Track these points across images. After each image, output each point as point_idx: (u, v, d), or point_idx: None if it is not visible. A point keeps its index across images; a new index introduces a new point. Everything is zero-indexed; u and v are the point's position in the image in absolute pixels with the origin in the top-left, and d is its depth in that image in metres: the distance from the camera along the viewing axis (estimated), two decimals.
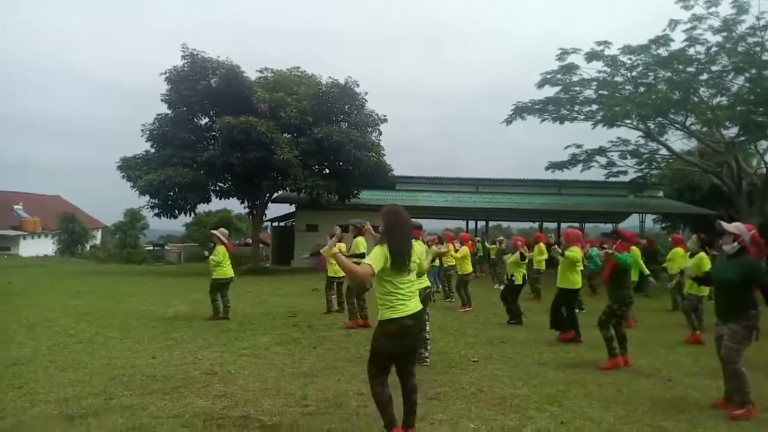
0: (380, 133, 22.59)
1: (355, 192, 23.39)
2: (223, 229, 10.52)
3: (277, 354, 7.06)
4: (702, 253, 8.67)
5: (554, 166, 24.23)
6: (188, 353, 7.00)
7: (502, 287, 14.81)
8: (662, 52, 19.53)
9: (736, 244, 4.93)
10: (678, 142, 22.79)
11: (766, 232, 17.96)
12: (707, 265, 8.31)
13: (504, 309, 10.36)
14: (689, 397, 5.42)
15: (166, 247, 40.72)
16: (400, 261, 3.92)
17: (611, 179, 25.38)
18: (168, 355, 6.88)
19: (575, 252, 8.21)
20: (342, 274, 9.76)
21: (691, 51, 18.98)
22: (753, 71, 18.40)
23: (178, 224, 47.14)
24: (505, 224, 42.65)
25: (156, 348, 7.32)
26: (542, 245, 13.97)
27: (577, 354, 7.47)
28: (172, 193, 20.61)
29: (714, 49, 18.63)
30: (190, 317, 10.09)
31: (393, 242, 3.93)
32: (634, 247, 9.75)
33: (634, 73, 20.96)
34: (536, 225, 33.38)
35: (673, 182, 29.67)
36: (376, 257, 3.85)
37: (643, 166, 24.46)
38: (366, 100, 21.85)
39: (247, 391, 5.33)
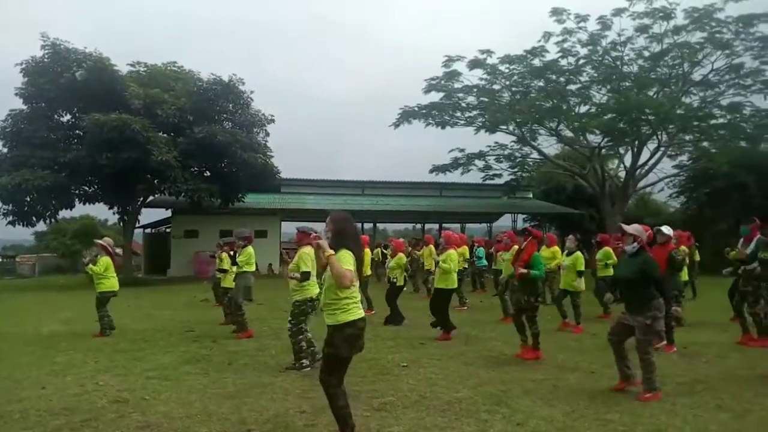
0: (267, 134, 21.81)
1: (240, 196, 22.33)
2: (108, 239, 9.47)
3: (189, 374, 6.36)
4: (578, 252, 9.49)
5: (438, 169, 25.05)
6: (85, 379, 6.06)
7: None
8: (537, 62, 20.93)
9: (636, 243, 5.41)
10: (549, 146, 24.57)
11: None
12: (582, 263, 9.35)
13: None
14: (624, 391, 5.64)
15: (16, 259, 36.05)
16: (359, 265, 4.06)
17: (488, 182, 26.82)
18: (60, 383, 5.90)
19: (449, 260, 8.49)
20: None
21: (564, 62, 20.55)
22: (614, 83, 20.36)
23: (26, 233, 42.05)
24: (381, 226, 43.12)
25: (42, 375, 6.27)
26: (432, 247, 14.31)
27: (498, 351, 7.59)
28: (29, 198, 18.22)
29: (582, 60, 20.33)
30: (71, 336, 8.89)
31: (354, 247, 4.02)
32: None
33: (510, 82, 22.23)
34: (419, 226, 34.27)
35: (541, 184, 31.92)
36: (349, 262, 3.90)
37: (516, 170, 26.14)
38: (252, 99, 20.98)
39: (173, 419, 4.68)
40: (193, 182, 19.52)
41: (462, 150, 23.92)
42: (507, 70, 21.55)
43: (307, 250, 6.46)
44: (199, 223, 23.64)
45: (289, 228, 26.15)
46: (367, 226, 32.77)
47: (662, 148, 21.25)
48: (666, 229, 7.50)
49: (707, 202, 25.13)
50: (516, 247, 8.12)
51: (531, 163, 25.59)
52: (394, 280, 10.06)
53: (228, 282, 9.84)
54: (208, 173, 21.20)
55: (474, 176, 26.39)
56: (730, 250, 8.99)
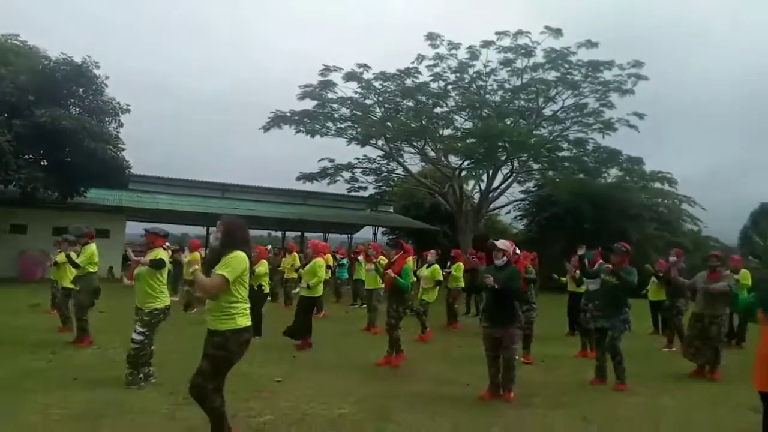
0: (120, 125, 19.85)
1: (82, 190, 20.01)
2: None
3: (28, 391, 5.41)
4: (436, 264, 10.28)
5: (305, 177, 24.70)
6: None
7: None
8: (409, 82, 21.61)
9: (504, 258, 5.78)
10: (413, 164, 25.39)
11: (479, 245, 20.94)
12: (439, 274, 10.20)
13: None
14: (495, 399, 5.79)
15: None
16: (251, 268, 4.17)
17: (352, 193, 27.04)
18: None
19: (316, 268, 8.50)
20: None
21: (435, 85, 21.45)
22: (476, 110, 21.66)
23: None
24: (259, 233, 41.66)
25: None
26: (295, 254, 14.09)
27: (371, 363, 7.47)
28: None
29: (450, 86, 21.39)
30: None
31: (248, 250, 3.97)
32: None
33: (382, 98, 22.66)
34: (280, 234, 33.49)
35: (402, 199, 32.87)
36: (240, 263, 3.79)
37: (381, 184, 26.69)
38: (106, 85, 18.98)
39: None
40: (27, 170, 17.10)
41: (332, 160, 23.86)
42: (380, 87, 21.99)
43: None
44: (29, 217, 20.78)
45: (135, 228, 24.00)
46: None
47: (513, 174, 22.98)
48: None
49: (546, 226, 27.64)
50: (383, 258, 8.71)
51: (395, 179, 26.23)
52: (260, 287, 9.52)
53: (67, 283, 8.64)
54: (45, 162, 18.74)
55: (339, 187, 26.54)
56: (558, 277, 10.31)
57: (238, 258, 3.76)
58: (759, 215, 30.26)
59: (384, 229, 34.36)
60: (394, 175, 25.84)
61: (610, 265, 6.53)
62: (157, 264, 5.86)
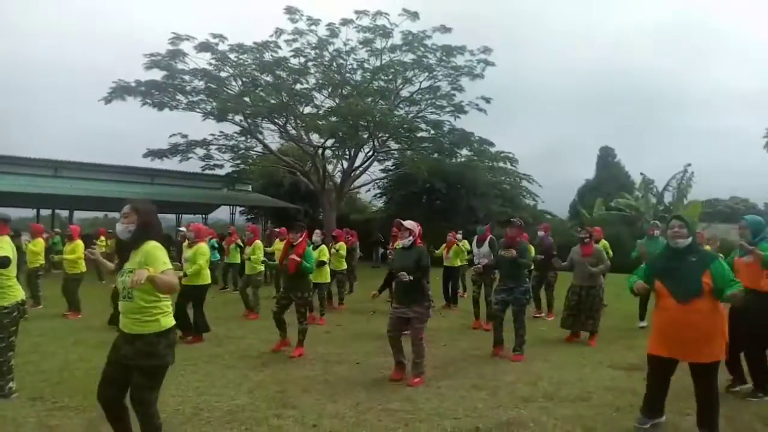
0: None
1: None
2: None
3: None
4: (323, 245, 9.92)
5: (153, 154, 22.97)
6: None
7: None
8: (268, 56, 20.89)
9: (411, 238, 5.86)
10: (271, 142, 24.75)
11: (342, 224, 21.17)
12: (326, 255, 9.83)
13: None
14: (386, 378, 5.96)
15: None
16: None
17: (207, 171, 25.73)
18: None
19: (199, 254, 7.79)
20: None
21: (295, 61, 20.96)
22: (335, 89, 21.63)
23: None
24: (81, 215, 37.31)
25: None
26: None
27: (255, 349, 7.28)
28: None
29: (310, 63, 21.06)
30: None
31: (162, 241, 3.50)
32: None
33: (237, 71, 21.65)
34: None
35: (260, 178, 32.03)
36: (164, 255, 3.38)
37: (238, 161, 25.70)
38: None
39: None
40: None
41: (185, 136, 22.40)
42: (237, 60, 20.99)
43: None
44: None
45: None
46: (61, 213, 28.15)
47: (374, 154, 23.45)
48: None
49: (403, 203, 28.75)
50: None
51: (254, 156, 25.40)
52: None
53: None
54: None
55: (191, 165, 25.06)
56: (434, 250, 10.70)
57: (161, 249, 3.37)
58: (584, 190, 34.29)
59: (242, 208, 33.30)
60: (252, 152, 24.99)
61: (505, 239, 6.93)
62: (2, 262, 5.03)
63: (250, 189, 31.74)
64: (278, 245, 11.22)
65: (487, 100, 22.60)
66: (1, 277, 5.05)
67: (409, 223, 5.94)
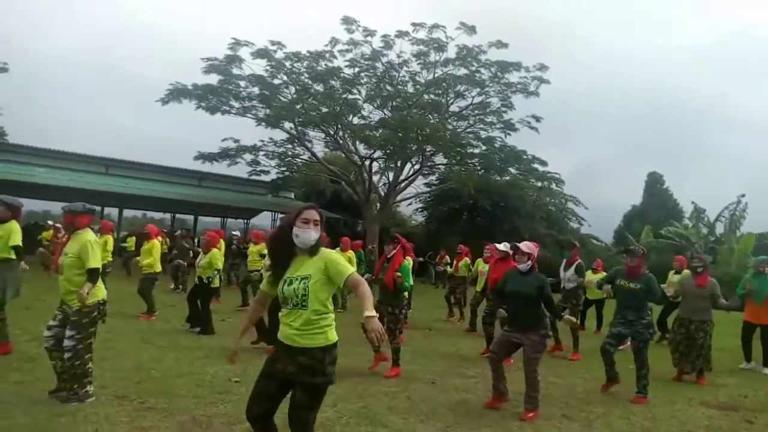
0: None
1: None
2: None
3: None
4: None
5: (204, 157, 23.27)
6: None
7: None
8: (322, 66, 21.02)
9: (529, 262, 5.48)
10: (317, 151, 24.83)
11: (384, 236, 20.93)
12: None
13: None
14: (469, 401, 5.73)
15: None
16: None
17: (253, 177, 25.95)
18: None
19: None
20: None
21: (349, 71, 21.06)
22: (385, 99, 21.61)
23: None
24: (129, 213, 38.01)
25: None
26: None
27: None
28: None
29: (363, 73, 21.10)
30: None
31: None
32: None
33: (290, 79, 21.81)
34: (169, 216, 31.39)
35: (302, 186, 32.17)
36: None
37: (284, 168, 25.85)
38: None
39: None
40: None
41: (236, 141, 22.65)
42: (291, 67, 21.16)
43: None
44: None
45: None
46: (111, 210, 28.72)
47: (421, 167, 23.32)
48: (502, 246, 8.04)
49: (443, 219, 28.49)
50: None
51: (300, 164, 25.52)
52: (207, 280, 8.71)
53: None
54: None
55: (238, 169, 25.33)
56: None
57: (339, 255, 3.24)
58: (630, 216, 33.52)
59: (282, 215, 33.48)
60: (299, 159, 25.12)
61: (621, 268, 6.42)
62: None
63: (293, 196, 31.90)
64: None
65: (538, 119, 22.30)
66: (81, 274, 4.82)
67: (526, 246, 5.56)
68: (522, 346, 5.35)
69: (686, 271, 8.56)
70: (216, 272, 8.78)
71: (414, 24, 20.59)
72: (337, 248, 10.49)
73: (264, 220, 33.59)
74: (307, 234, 3.11)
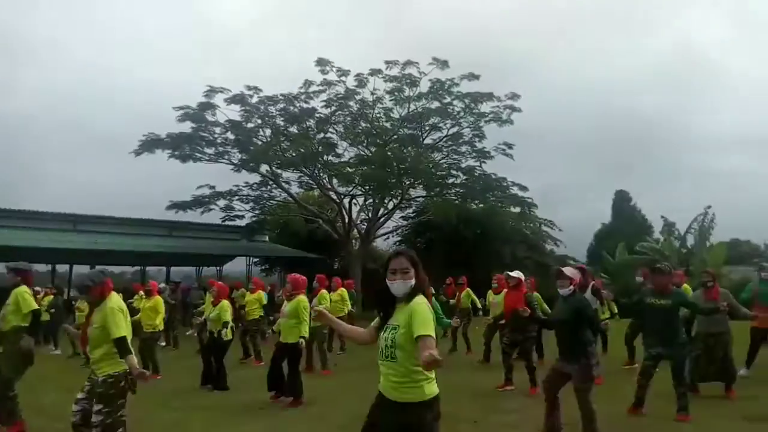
0: None
1: None
2: None
3: None
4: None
5: (177, 206, 22.77)
6: None
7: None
8: (297, 108, 21.02)
9: (571, 287, 5.38)
10: (294, 190, 24.62)
11: (370, 275, 20.88)
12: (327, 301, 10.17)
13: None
14: None
15: None
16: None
17: (227, 223, 25.50)
18: None
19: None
20: None
21: (326, 111, 21.11)
22: (359, 138, 21.70)
23: None
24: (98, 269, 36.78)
25: None
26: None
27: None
28: None
29: (339, 112, 21.19)
30: None
31: None
32: None
33: (263, 122, 21.69)
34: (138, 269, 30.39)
35: (274, 227, 31.71)
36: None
37: (258, 212, 25.48)
38: None
39: None
40: None
41: (212, 187, 22.27)
42: (266, 110, 21.07)
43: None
44: None
45: None
46: (81, 268, 27.62)
47: (401, 201, 23.36)
48: (515, 274, 8.00)
49: (423, 251, 28.48)
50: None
51: (276, 206, 25.21)
52: (219, 334, 8.33)
53: None
54: None
55: (210, 217, 24.88)
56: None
57: (429, 308, 3.02)
58: (601, 234, 34.16)
59: (257, 259, 32.90)
60: (274, 201, 24.85)
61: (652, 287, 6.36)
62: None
63: (267, 239, 31.43)
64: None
65: (510, 146, 22.66)
66: (109, 343, 4.42)
67: (569, 271, 5.47)
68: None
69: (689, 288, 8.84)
70: (227, 324, 8.46)
71: (387, 62, 20.92)
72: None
73: (238, 266, 32.93)
74: (395, 286, 2.98)
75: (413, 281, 2.98)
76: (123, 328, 4.51)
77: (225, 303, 8.55)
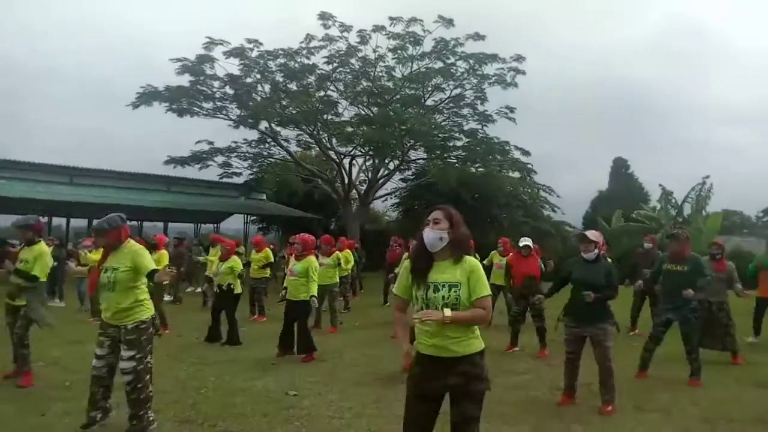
0: None
1: None
2: None
3: None
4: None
5: (175, 161, 22.49)
6: None
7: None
8: (297, 63, 20.54)
9: (596, 250, 5.39)
10: (292, 149, 24.32)
11: (366, 236, 20.96)
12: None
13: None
14: (539, 401, 5.65)
15: None
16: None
17: (224, 180, 25.27)
18: None
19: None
20: None
21: (328, 68, 20.64)
22: (363, 97, 21.33)
23: None
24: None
25: None
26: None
27: (366, 365, 6.94)
28: None
29: (340, 69, 20.73)
30: None
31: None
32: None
33: (263, 77, 21.21)
34: (136, 224, 30.24)
35: (272, 186, 31.51)
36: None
37: (256, 169, 25.20)
38: None
39: None
40: None
41: (211, 143, 21.96)
42: (265, 65, 20.56)
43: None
44: None
45: None
46: (78, 223, 27.57)
47: (401, 162, 23.18)
48: (527, 242, 8.06)
49: (420, 214, 28.48)
50: None
51: (275, 164, 24.92)
52: (229, 287, 8.36)
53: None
54: None
55: (208, 173, 24.63)
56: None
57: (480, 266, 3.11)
58: (598, 201, 34.24)
59: (254, 218, 32.82)
60: (273, 160, 24.54)
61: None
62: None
63: (265, 198, 31.27)
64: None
65: (512, 110, 22.36)
66: (137, 287, 4.53)
67: (593, 234, 5.42)
68: (590, 337, 5.29)
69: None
70: (241, 275, 8.53)
71: (391, 18, 20.31)
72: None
73: (235, 223, 32.86)
74: (425, 233, 3.00)
75: (445, 234, 2.98)
76: (152, 261, 4.66)
77: (236, 258, 8.60)
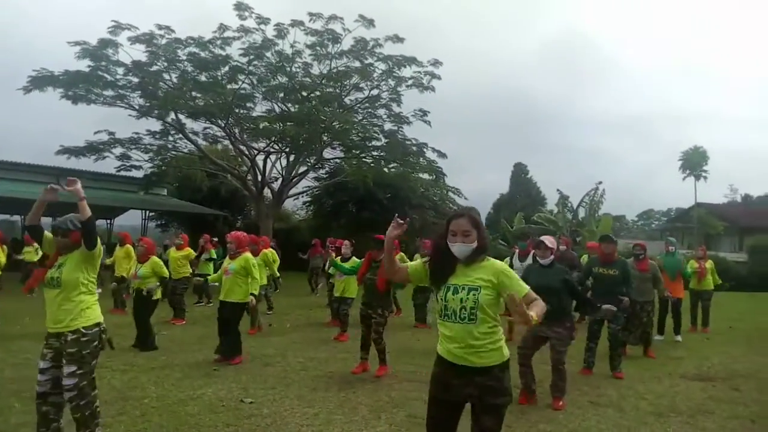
0: None
1: None
2: None
3: None
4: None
5: (68, 151, 20.66)
6: None
7: None
8: (209, 53, 19.53)
9: (552, 256, 5.61)
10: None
11: (277, 235, 20.51)
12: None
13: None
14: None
15: None
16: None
17: (122, 173, 23.56)
18: None
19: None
20: None
21: (244, 60, 19.77)
22: (274, 92, 20.72)
23: None
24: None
25: None
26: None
27: (310, 368, 6.72)
28: None
29: (256, 62, 19.93)
30: None
31: None
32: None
33: (170, 65, 20.00)
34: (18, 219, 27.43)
35: (175, 181, 29.86)
36: None
37: (157, 162, 23.69)
38: None
39: None
40: None
41: (111, 133, 20.37)
42: (173, 53, 19.34)
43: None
44: None
45: None
46: None
47: (317, 161, 22.84)
48: (548, 241, 8.18)
49: (330, 213, 28.32)
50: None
51: (178, 158, 23.51)
52: (147, 292, 7.72)
53: None
54: None
55: (104, 165, 22.89)
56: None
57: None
58: (499, 204, 35.90)
59: (152, 214, 30.94)
60: (179, 153, 23.19)
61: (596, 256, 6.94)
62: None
63: (165, 193, 29.55)
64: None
65: (425, 113, 22.73)
66: (87, 291, 4.04)
67: (549, 241, 5.63)
68: (548, 339, 5.48)
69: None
70: (158, 284, 7.88)
71: (311, 14, 19.85)
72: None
73: (131, 220, 30.77)
74: (456, 248, 2.90)
75: (475, 244, 2.91)
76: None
77: (156, 259, 7.99)
